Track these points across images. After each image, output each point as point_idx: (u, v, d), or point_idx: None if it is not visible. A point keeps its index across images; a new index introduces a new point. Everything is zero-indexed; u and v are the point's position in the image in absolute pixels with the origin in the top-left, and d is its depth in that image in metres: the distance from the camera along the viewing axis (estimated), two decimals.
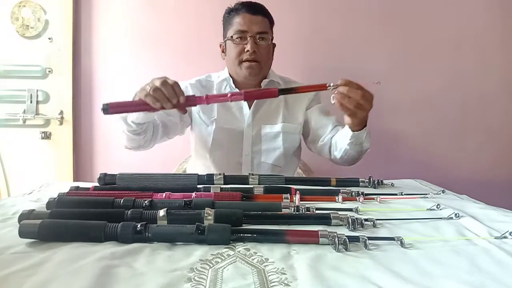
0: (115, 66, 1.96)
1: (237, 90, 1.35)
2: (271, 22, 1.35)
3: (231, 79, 1.36)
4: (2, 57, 1.90)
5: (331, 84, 0.97)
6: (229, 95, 0.95)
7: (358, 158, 1.28)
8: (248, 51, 1.26)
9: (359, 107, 1.02)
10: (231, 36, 1.29)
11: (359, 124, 1.12)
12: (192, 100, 0.97)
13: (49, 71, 1.92)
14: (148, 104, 0.94)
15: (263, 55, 1.30)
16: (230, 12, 1.33)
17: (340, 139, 1.24)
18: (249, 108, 1.37)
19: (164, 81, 0.95)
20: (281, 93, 0.98)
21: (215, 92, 1.37)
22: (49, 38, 1.91)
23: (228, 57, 1.34)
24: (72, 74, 1.93)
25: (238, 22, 1.29)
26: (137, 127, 1.15)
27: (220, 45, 1.39)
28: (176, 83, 0.96)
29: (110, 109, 0.92)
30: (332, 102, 1.01)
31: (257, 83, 1.35)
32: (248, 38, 1.27)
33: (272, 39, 1.34)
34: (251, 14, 1.29)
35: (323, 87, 0.97)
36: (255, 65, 1.28)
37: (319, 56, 1.97)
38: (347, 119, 1.11)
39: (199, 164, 1.41)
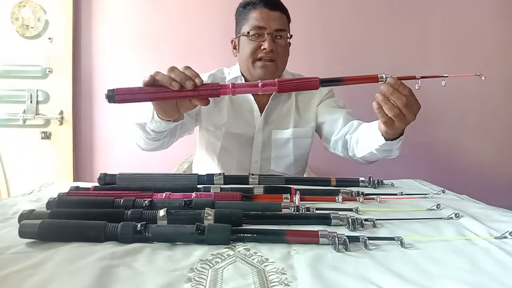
0: (115, 66, 1.96)
1: None
2: (289, 19, 1.27)
3: (243, 78, 1.29)
4: (2, 57, 1.90)
5: (384, 76, 0.82)
6: (260, 85, 0.79)
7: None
8: (265, 49, 1.18)
9: (398, 116, 0.86)
10: (248, 32, 1.20)
11: (395, 133, 0.97)
12: (215, 90, 0.79)
13: (49, 71, 1.92)
14: (165, 90, 0.78)
15: (280, 54, 1.22)
16: (246, 6, 1.23)
17: (366, 140, 1.12)
18: (260, 111, 1.30)
19: (174, 66, 0.81)
20: (323, 84, 0.81)
21: None
22: (49, 38, 1.91)
23: (241, 54, 1.25)
24: (72, 74, 1.93)
25: (255, 17, 1.19)
26: (157, 135, 1.05)
27: (232, 41, 1.30)
28: (188, 67, 0.82)
29: (117, 96, 0.76)
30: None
31: None
32: (266, 36, 1.18)
33: (290, 37, 1.26)
34: (269, 9, 1.20)
35: (373, 79, 0.81)
36: (270, 64, 1.20)
37: (319, 56, 1.97)
38: (381, 126, 0.95)
39: (205, 166, 1.37)
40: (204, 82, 0.80)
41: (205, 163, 1.38)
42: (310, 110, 1.35)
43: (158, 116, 0.93)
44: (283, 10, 1.24)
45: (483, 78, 0.83)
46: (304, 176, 1.54)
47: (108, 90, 0.77)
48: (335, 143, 1.29)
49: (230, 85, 0.79)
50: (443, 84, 0.85)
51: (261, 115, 1.31)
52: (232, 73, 1.33)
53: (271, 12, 1.20)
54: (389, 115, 0.86)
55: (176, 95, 0.80)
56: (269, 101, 1.30)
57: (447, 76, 0.84)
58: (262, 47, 1.19)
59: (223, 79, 1.33)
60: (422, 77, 0.84)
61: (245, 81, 1.29)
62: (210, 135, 1.32)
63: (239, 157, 1.31)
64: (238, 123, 1.30)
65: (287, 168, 1.33)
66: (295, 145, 1.32)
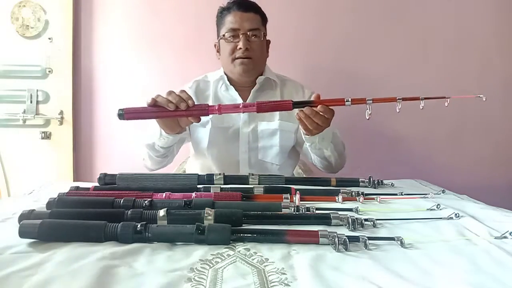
0: (115, 66, 1.96)
1: (232, 87, 1.36)
2: (264, 19, 1.35)
3: (225, 77, 1.36)
4: (2, 57, 1.89)
5: (350, 99, 0.93)
6: (241, 106, 0.95)
7: (332, 166, 1.29)
8: (240, 48, 1.26)
9: (317, 127, 1.03)
10: (223, 35, 1.30)
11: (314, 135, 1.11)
12: (204, 109, 0.96)
13: (49, 71, 1.91)
14: (164, 110, 0.95)
15: (256, 52, 1.30)
16: (222, 12, 1.34)
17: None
18: None
19: (171, 90, 0.98)
20: (296, 106, 0.97)
21: (211, 92, 1.38)
22: (49, 38, 1.91)
23: (222, 56, 1.35)
24: (72, 74, 1.93)
25: (229, 20, 1.29)
26: (165, 151, 1.22)
27: (215, 45, 1.40)
28: (183, 90, 0.99)
29: (126, 114, 0.93)
30: (367, 117, 0.95)
31: (252, 80, 1.35)
32: (240, 36, 1.27)
33: (265, 36, 1.34)
34: (242, 11, 1.29)
35: (340, 101, 0.95)
36: (248, 61, 1.28)
37: (320, 57, 1.96)
38: (302, 128, 1.09)
39: (198, 164, 1.42)
40: (189, 91, 1.01)
41: (197, 159, 1.42)
42: (295, 110, 1.38)
43: (165, 132, 1.09)
44: (257, 11, 1.32)
45: (484, 99, 0.91)
46: (296, 173, 1.56)
47: (119, 109, 0.93)
48: (306, 150, 1.33)
49: (217, 106, 0.95)
50: (446, 105, 0.93)
51: None
52: (217, 75, 1.40)
53: (244, 13, 1.29)
54: (309, 127, 1.03)
55: (172, 114, 0.97)
56: (250, 94, 1.36)
57: (449, 98, 0.94)
58: (238, 47, 1.28)
59: (206, 83, 1.41)
60: (425, 98, 0.94)
61: (228, 80, 1.37)
62: (199, 132, 1.37)
63: (227, 149, 1.35)
64: (223, 117, 1.34)
65: (274, 157, 1.36)
66: (282, 136, 1.35)
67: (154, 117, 1.02)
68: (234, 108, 0.98)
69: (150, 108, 0.96)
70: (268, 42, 1.39)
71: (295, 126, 1.36)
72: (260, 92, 1.38)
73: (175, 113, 0.96)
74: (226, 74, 1.37)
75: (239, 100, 1.35)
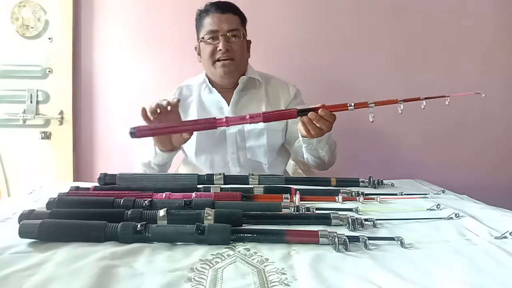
0: (115, 66, 1.96)
1: (215, 90, 1.35)
2: (243, 19, 1.34)
3: (207, 79, 1.36)
4: (2, 57, 1.89)
5: (352, 104, 0.93)
6: (247, 117, 0.95)
7: (324, 164, 1.29)
8: (220, 50, 1.26)
9: (319, 132, 1.04)
10: (203, 37, 1.29)
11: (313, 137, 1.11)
12: (212, 123, 0.96)
13: (49, 71, 1.91)
14: (172, 125, 1.00)
15: (237, 52, 1.29)
16: (201, 14, 1.33)
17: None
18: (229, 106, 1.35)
19: (164, 99, 1.05)
20: (300, 114, 0.98)
21: (194, 97, 1.37)
22: (49, 38, 1.91)
23: (202, 59, 1.34)
24: (72, 74, 1.93)
25: (208, 22, 1.29)
26: (160, 169, 1.24)
27: (196, 48, 1.39)
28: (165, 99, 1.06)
29: (137, 132, 0.97)
30: (371, 120, 0.94)
31: (234, 81, 1.34)
32: (220, 37, 1.26)
33: (245, 36, 1.33)
34: (220, 13, 1.28)
35: (343, 106, 0.94)
36: (229, 63, 1.28)
37: (318, 57, 1.96)
38: (301, 131, 1.09)
39: (188, 170, 1.41)
40: (175, 96, 1.20)
41: (187, 166, 1.42)
42: (280, 106, 1.39)
43: (160, 149, 1.14)
44: (235, 12, 1.32)
45: (483, 96, 0.92)
46: (296, 174, 1.56)
47: (131, 128, 0.97)
48: (298, 148, 1.33)
49: (224, 119, 0.95)
50: (447, 103, 0.93)
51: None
52: (198, 79, 1.40)
53: (223, 15, 1.29)
54: (312, 133, 1.04)
55: (181, 129, 1.03)
56: (233, 95, 1.35)
57: (449, 96, 0.94)
58: (218, 49, 1.27)
59: (189, 88, 1.41)
60: (426, 98, 0.94)
61: (210, 82, 1.36)
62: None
63: (215, 151, 1.35)
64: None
65: (262, 157, 1.36)
66: (269, 135, 1.35)
67: (165, 133, 1.06)
68: (241, 120, 0.98)
69: (161, 125, 1.01)
70: (249, 42, 1.38)
71: (282, 124, 1.36)
72: (243, 92, 1.37)
73: (184, 127, 1.01)
74: (208, 77, 1.36)
75: (224, 103, 1.35)
